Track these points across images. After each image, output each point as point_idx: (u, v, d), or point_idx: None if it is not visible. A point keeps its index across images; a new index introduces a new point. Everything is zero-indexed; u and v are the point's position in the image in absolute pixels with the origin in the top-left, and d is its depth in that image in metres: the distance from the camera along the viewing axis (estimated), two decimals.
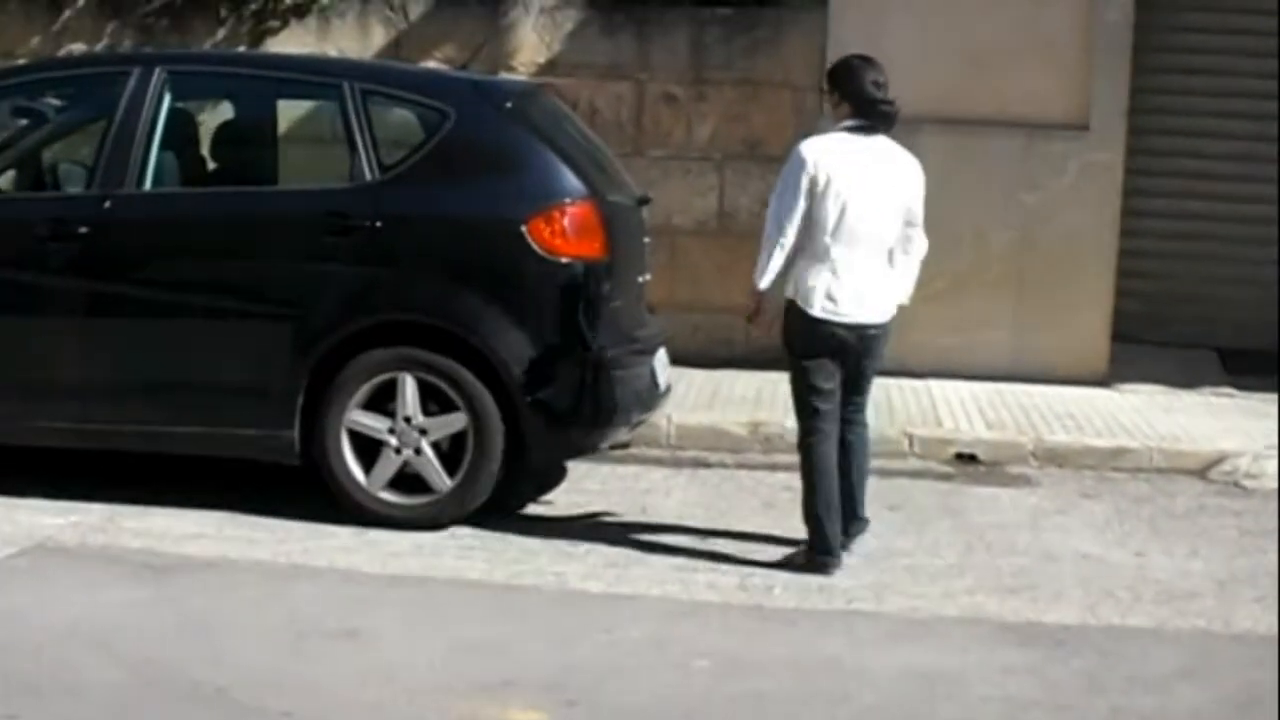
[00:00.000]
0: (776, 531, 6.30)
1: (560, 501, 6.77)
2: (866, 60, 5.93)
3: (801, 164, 5.72)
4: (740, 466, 7.56)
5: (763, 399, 8.58)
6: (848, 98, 5.85)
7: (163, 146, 6.34)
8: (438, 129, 6.27)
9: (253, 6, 9.28)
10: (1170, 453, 7.79)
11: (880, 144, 5.88)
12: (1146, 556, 6.22)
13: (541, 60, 9.49)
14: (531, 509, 6.63)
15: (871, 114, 5.81)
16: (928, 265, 9.42)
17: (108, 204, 6.27)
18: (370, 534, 6.10)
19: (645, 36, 9.49)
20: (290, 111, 7.14)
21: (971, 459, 7.87)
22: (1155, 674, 4.83)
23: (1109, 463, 7.79)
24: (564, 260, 6.17)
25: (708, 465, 7.65)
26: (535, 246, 6.12)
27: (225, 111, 6.90)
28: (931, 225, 9.35)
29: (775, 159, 9.44)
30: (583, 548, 6.05)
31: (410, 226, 6.20)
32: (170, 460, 6.62)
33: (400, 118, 6.50)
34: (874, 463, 7.61)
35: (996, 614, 5.41)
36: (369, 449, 6.21)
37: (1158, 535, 6.57)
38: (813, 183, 5.72)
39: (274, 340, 6.19)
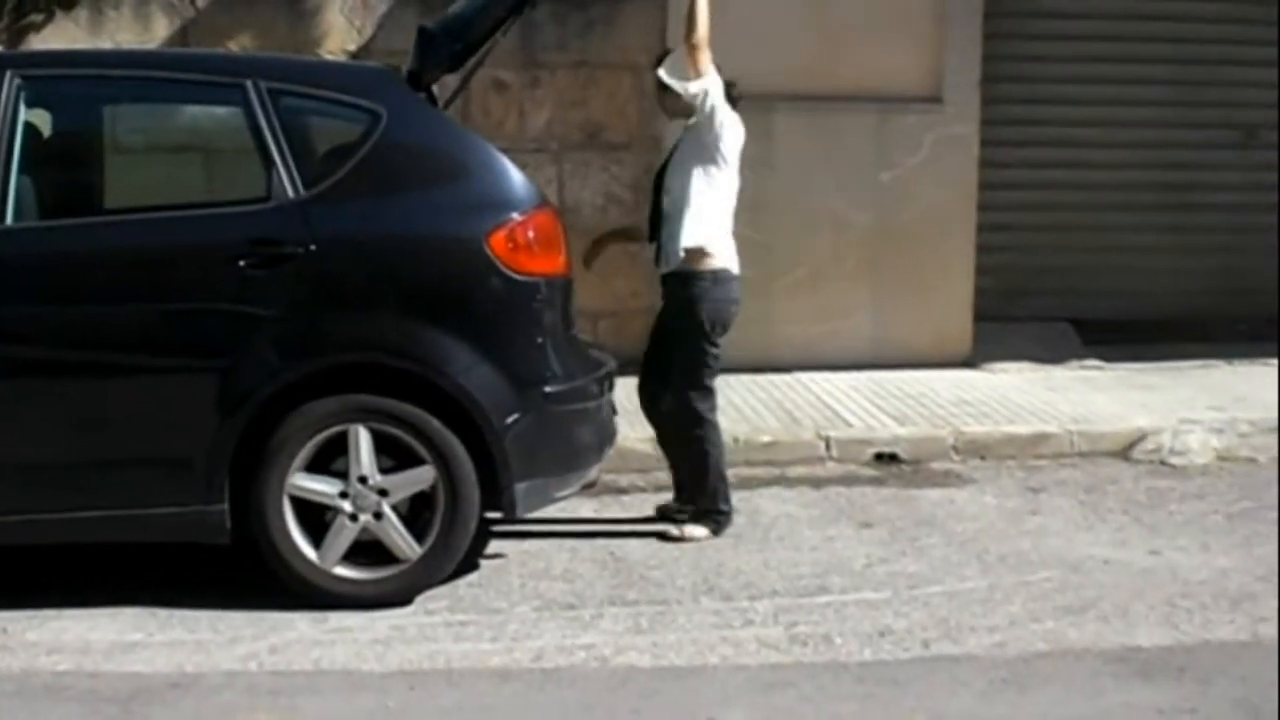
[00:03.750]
0: (752, 557, 5.85)
1: (510, 550, 5.91)
2: None
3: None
4: (659, 489, 6.81)
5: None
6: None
7: (24, 170, 5.09)
8: (369, 133, 5.25)
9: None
10: (1091, 435, 7.52)
11: None
12: (1163, 555, 5.86)
13: (352, 47, 8.48)
14: (484, 564, 5.75)
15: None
16: (787, 253, 8.99)
17: None
18: (332, 619, 5.11)
19: None
20: (182, 120, 5.95)
21: (893, 458, 7.40)
22: None
23: (1030, 450, 7.48)
24: (529, 279, 5.29)
25: (624, 490, 6.92)
26: (501, 265, 5.22)
27: (101, 123, 5.62)
28: (788, 209, 8.94)
29: (617, 146, 8.80)
30: (586, 612, 5.24)
31: (351, 250, 5.17)
32: (30, 549, 5.45)
33: (321, 121, 5.45)
34: (798, 469, 7.28)
35: (1084, 641, 4.91)
36: (312, 518, 5.22)
37: (1149, 529, 6.24)
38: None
39: (193, 398, 5.08)
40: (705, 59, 5.89)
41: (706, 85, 5.88)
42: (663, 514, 6.32)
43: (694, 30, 5.86)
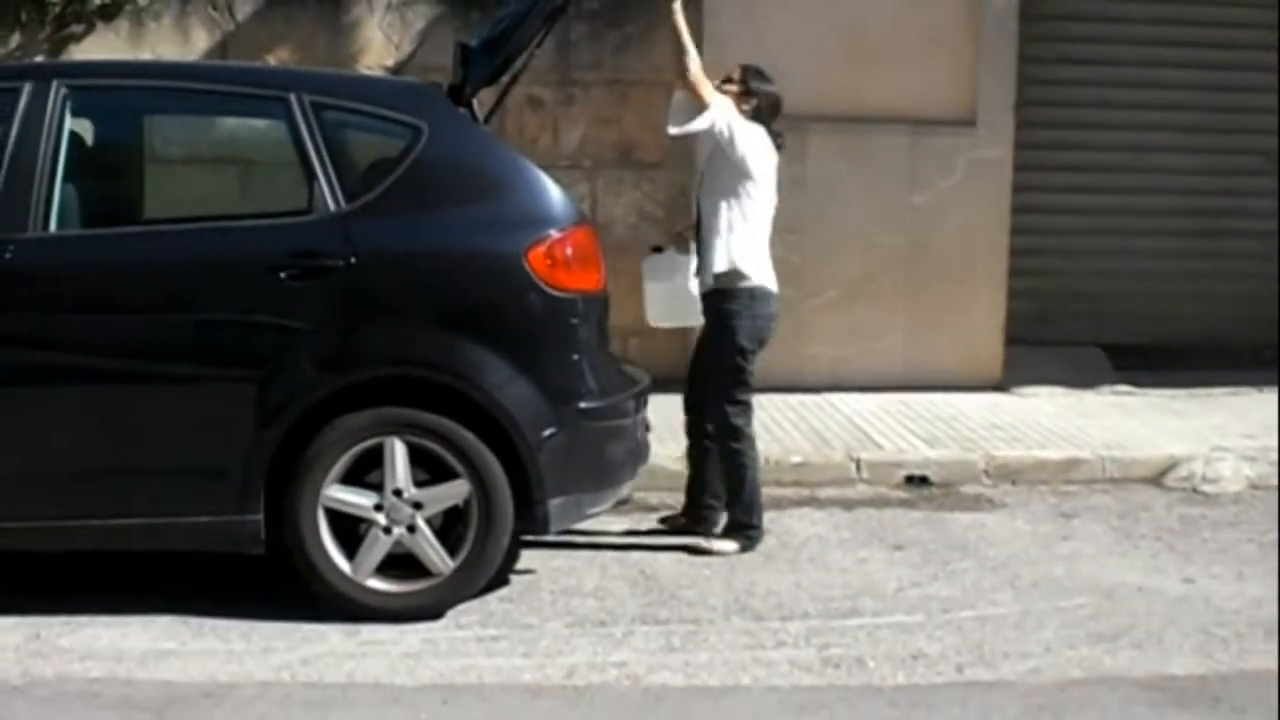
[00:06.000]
0: (783, 577, 5.85)
1: (540, 566, 5.91)
2: None
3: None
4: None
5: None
6: (759, 95, 6.12)
7: (68, 179, 5.13)
8: (411, 148, 5.27)
9: (55, 10, 7.93)
10: (1123, 461, 7.50)
11: None
12: (1197, 583, 5.83)
13: (390, 62, 8.52)
14: (515, 580, 5.75)
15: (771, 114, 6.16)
16: (819, 274, 9.00)
17: (9, 252, 5.05)
18: (364, 632, 5.12)
19: None
20: (225, 131, 5.99)
21: (923, 481, 7.38)
22: None
23: (1062, 475, 7.45)
24: (567, 296, 5.31)
25: (654, 508, 6.87)
26: (539, 281, 5.24)
27: (145, 133, 5.67)
28: (821, 230, 8.94)
29: (650, 164, 8.82)
30: (617, 629, 5.24)
31: (390, 264, 5.19)
32: (64, 555, 5.49)
33: (363, 136, 5.47)
34: (828, 491, 7.26)
35: (1119, 669, 4.89)
36: (346, 530, 5.23)
37: (1183, 556, 6.21)
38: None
39: (231, 409, 5.09)
40: (706, 89, 5.89)
41: (714, 116, 5.89)
42: (671, 526, 6.38)
43: (687, 66, 5.85)
